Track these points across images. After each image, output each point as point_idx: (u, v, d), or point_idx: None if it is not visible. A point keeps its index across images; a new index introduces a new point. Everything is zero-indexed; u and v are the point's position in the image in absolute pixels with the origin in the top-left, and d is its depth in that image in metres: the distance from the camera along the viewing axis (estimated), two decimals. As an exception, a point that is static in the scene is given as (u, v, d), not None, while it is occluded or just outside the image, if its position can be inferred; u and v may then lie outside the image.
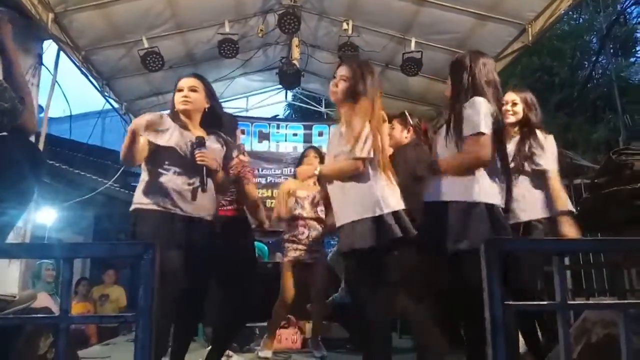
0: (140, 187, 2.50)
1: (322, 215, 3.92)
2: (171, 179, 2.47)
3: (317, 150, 4.06)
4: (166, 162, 2.48)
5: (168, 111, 2.66)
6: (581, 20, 12.77)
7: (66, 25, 5.07)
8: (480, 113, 2.32)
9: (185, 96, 2.59)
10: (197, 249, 2.48)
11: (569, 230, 2.68)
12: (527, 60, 10.28)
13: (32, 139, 5.29)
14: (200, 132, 2.62)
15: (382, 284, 2.52)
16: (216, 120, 2.76)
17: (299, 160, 4.08)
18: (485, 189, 2.37)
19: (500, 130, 2.45)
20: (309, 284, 3.93)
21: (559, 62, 11.15)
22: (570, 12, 10.78)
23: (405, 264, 2.72)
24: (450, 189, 2.43)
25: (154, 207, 2.40)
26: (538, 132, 2.86)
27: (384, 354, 2.44)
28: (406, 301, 2.86)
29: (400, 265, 2.74)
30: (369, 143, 2.47)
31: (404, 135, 3.34)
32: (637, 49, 13.20)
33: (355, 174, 2.50)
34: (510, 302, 1.29)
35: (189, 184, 2.51)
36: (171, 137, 2.49)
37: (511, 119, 2.91)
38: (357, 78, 2.61)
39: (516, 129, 2.94)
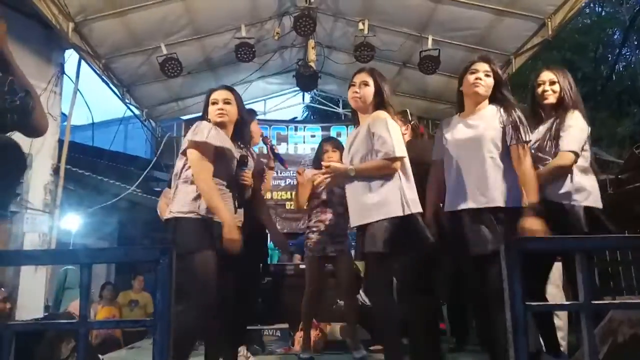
0: (191, 196, 2.52)
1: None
2: (220, 190, 2.57)
3: (335, 143, 3.96)
4: (218, 175, 2.56)
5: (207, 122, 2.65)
6: (604, 12, 12.49)
7: (86, 34, 5.17)
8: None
9: (221, 109, 2.65)
10: (237, 254, 2.58)
11: (526, 223, 2.25)
12: (548, 55, 10.10)
13: (54, 143, 5.43)
14: (233, 145, 2.73)
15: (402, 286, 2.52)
16: (245, 134, 2.89)
17: (318, 154, 3.97)
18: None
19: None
20: (335, 280, 3.87)
21: (581, 55, 10.91)
22: (592, 4, 10.57)
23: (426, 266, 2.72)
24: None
25: (209, 216, 2.47)
26: (573, 111, 2.64)
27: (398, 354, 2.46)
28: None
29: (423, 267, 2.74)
30: (403, 143, 2.56)
31: (403, 132, 3.33)
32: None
33: (387, 173, 2.52)
34: (532, 303, 1.27)
35: (233, 197, 2.65)
36: (231, 147, 2.66)
37: (551, 99, 2.71)
38: (380, 84, 2.68)
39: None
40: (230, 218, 2.46)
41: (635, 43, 11.91)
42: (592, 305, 1.31)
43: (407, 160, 2.58)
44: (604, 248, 2.71)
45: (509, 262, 1.25)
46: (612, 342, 1.66)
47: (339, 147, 3.83)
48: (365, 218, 2.51)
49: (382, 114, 2.61)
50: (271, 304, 4.89)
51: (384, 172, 2.52)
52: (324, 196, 3.75)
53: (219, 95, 2.70)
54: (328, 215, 3.74)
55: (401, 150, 2.51)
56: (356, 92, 2.69)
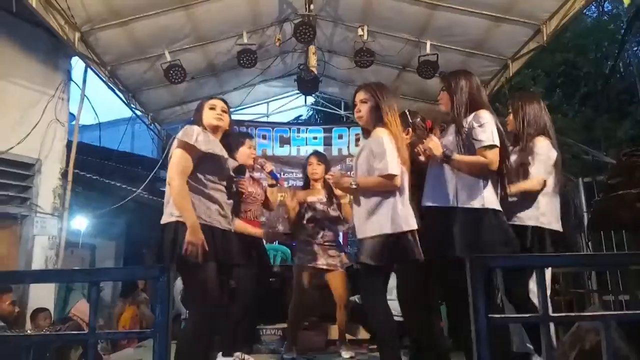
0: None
1: (336, 214, 3.97)
2: (214, 194, 2.69)
3: (320, 156, 4.17)
4: (211, 174, 2.69)
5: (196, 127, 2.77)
6: (606, 7, 12.44)
7: (92, 43, 5.32)
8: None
9: (219, 114, 2.83)
10: (234, 258, 2.77)
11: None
12: (550, 57, 10.11)
13: (62, 148, 5.56)
14: (223, 149, 2.88)
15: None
16: (231, 144, 3.04)
17: (304, 168, 4.17)
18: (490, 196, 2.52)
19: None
20: (330, 289, 4.03)
21: (582, 57, 10.91)
22: (592, 6, 10.55)
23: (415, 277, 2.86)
24: (458, 195, 2.56)
25: (202, 222, 2.57)
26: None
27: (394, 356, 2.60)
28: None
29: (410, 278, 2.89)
30: (397, 160, 2.66)
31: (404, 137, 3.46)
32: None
33: (385, 190, 2.64)
34: (495, 315, 1.39)
35: (228, 202, 2.77)
36: (222, 149, 2.79)
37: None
38: (377, 98, 2.80)
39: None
40: (195, 220, 2.49)
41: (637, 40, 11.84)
42: (550, 317, 1.45)
43: (405, 177, 2.71)
44: (564, 265, 2.84)
45: (473, 278, 1.37)
46: (580, 348, 1.78)
47: (324, 161, 4.09)
48: (362, 233, 2.68)
49: (380, 131, 2.73)
50: (275, 304, 5.03)
51: (381, 189, 2.65)
52: (308, 215, 3.94)
53: (218, 102, 2.88)
54: (316, 229, 3.95)
55: (394, 169, 2.61)
56: (357, 112, 2.87)
